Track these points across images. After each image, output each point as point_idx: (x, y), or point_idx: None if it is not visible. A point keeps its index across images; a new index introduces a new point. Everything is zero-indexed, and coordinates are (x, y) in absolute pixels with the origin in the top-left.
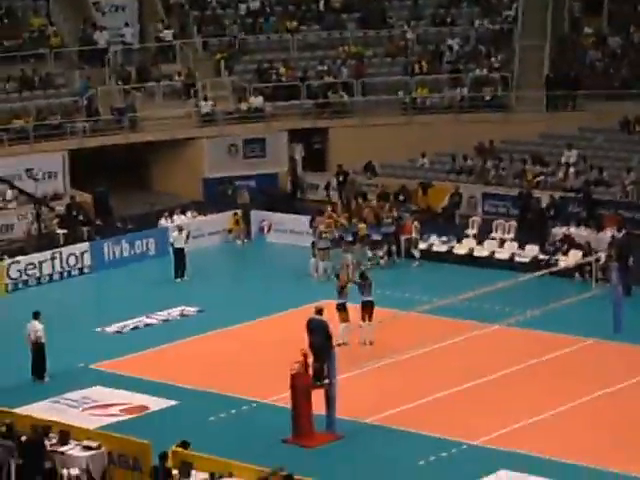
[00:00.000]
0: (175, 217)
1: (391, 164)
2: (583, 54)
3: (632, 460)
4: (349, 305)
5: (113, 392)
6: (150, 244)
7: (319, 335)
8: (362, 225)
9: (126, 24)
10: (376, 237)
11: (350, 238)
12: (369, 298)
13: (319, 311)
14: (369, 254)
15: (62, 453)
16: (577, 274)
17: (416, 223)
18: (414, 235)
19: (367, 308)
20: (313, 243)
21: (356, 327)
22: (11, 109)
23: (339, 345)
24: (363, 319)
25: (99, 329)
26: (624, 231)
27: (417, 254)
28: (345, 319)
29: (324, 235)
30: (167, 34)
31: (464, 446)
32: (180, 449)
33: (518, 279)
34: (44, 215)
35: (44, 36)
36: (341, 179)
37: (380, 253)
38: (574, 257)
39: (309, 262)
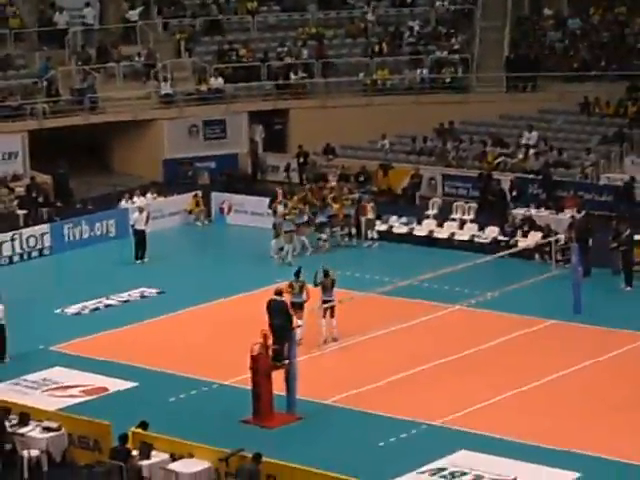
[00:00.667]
0: (135, 198)
1: (351, 145)
2: (543, 35)
3: (591, 440)
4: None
5: (73, 373)
6: (110, 225)
7: (279, 316)
8: (336, 206)
9: (87, 4)
10: (321, 219)
11: (323, 219)
12: (331, 298)
13: (279, 292)
14: (323, 236)
15: (22, 435)
16: (537, 255)
17: (372, 204)
18: (369, 216)
19: (329, 308)
20: (274, 225)
21: (318, 325)
22: None
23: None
24: (324, 316)
25: (59, 310)
26: (583, 212)
27: (374, 235)
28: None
29: (288, 217)
30: (132, 14)
31: (424, 427)
32: (140, 430)
33: (478, 260)
34: (4, 196)
35: (4, 17)
36: (301, 160)
37: (324, 236)
38: (534, 238)
39: (270, 243)
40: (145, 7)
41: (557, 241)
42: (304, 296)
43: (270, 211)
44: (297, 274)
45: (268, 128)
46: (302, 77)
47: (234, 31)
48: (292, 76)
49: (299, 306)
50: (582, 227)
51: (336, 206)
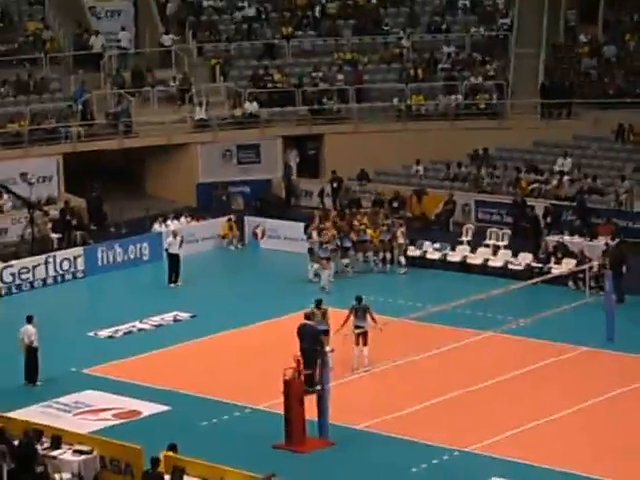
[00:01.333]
0: (169, 222)
1: (385, 171)
2: (578, 62)
3: (623, 469)
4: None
5: (105, 396)
6: (144, 249)
7: (310, 341)
8: (370, 231)
9: (122, 28)
10: (346, 244)
11: (347, 244)
12: (363, 325)
13: (309, 317)
14: (345, 261)
15: (54, 457)
16: (570, 282)
17: (402, 229)
18: (400, 242)
19: (362, 334)
20: (311, 250)
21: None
22: (6, 113)
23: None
24: (357, 343)
25: (92, 334)
26: (617, 239)
27: (401, 261)
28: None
29: (325, 245)
30: (166, 39)
31: (456, 453)
32: (171, 453)
33: (511, 287)
34: (38, 219)
35: (40, 40)
36: (335, 185)
37: (347, 261)
38: (567, 265)
39: (307, 267)
40: (180, 32)
41: (591, 268)
42: (326, 324)
43: (305, 236)
44: (318, 303)
45: (302, 153)
46: (336, 102)
47: (269, 56)
48: (326, 101)
49: (324, 333)
50: (616, 254)
51: (370, 232)
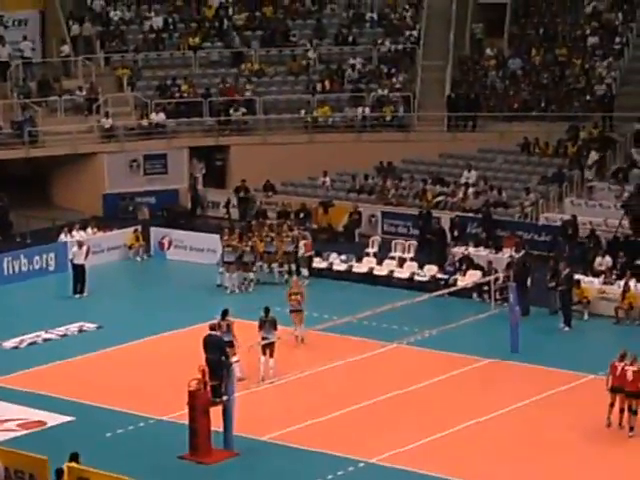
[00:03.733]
0: (75, 232)
1: (292, 182)
2: (484, 75)
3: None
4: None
5: (10, 407)
6: (50, 259)
7: (215, 352)
8: (260, 243)
9: (24, 37)
10: (246, 259)
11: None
12: (270, 336)
13: (214, 327)
14: (219, 281)
15: None
16: (475, 294)
17: (306, 241)
18: (301, 253)
19: (268, 345)
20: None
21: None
22: None
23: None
24: (264, 354)
25: None
26: (523, 252)
27: (305, 272)
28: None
29: (228, 250)
30: (64, 49)
31: (361, 464)
32: (74, 464)
33: (417, 299)
34: None
35: None
36: (242, 195)
37: (251, 276)
38: (472, 277)
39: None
40: (88, 41)
41: (496, 280)
42: (231, 335)
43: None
44: (224, 314)
45: (209, 164)
46: (243, 113)
47: (176, 67)
48: (232, 112)
49: (229, 344)
50: (520, 267)
51: (275, 243)
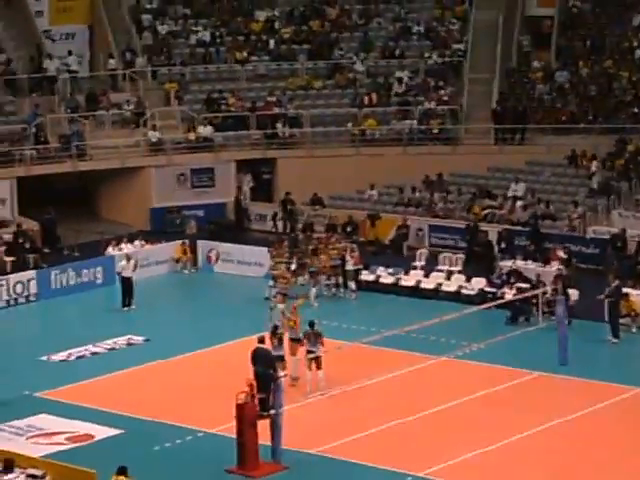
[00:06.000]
0: (123, 246)
1: (339, 195)
2: (531, 88)
3: None
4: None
5: (58, 420)
6: (97, 273)
7: (263, 365)
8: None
9: (69, 52)
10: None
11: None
12: (315, 350)
13: (262, 340)
14: (268, 293)
15: None
16: (524, 307)
17: (354, 254)
18: (349, 267)
19: (314, 359)
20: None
21: (303, 376)
22: None
23: (294, 380)
24: (309, 369)
25: (45, 357)
26: (568, 265)
27: (353, 286)
28: (294, 352)
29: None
30: (112, 63)
31: (409, 478)
32: (122, 477)
33: (464, 311)
34: None
35: None
36: (288, 207)
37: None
38: (520, 290)
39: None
40: (135, 56)
41: (544, 293)
42: (282, 350)
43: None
44: (275, 328)
45: (256, 177)
46: (290, 126)
47: (223, 80)
48: (279, 127)
49: (279, 359)
50: (568, 279)
51: (323, 257)
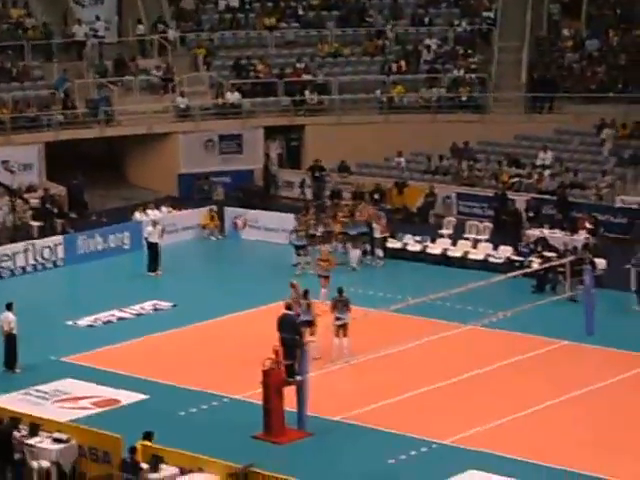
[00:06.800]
0: (149, 211)
1: (367, 163)
2: (561, 56)
3: (601, 461)
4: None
5: (84, 385)
6: (124, 238)
7: (290, 331)
8: (334, 223)
9: (97, 17)
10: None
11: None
12: (344, 316)
13: (289, 307)
14: (296, 259)
15: (32, 445)
16: (551, 276)
17: (383, 221)
18: (378, 235)
19: (342, 326)
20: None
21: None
22: None
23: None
24: (337, 335)
25: (71, 322)
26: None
27: (380, 253)
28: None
29: (300, 234)
30: (141, 28)
31: (434, 445)
32: (147, 442)
33: (491, 280)
34: (18, 207)
35: (22, 28)
36: (317, 174)
37: (308, 259)
38: (548, 259)
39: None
40: (163, 21)
41: (572, 262)
42: (311, 314)
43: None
44: (305, 293)
45: (284, 144)
46: (318, 93)
47: (252, 46)
48: (307, 94)
49: (308, 324)
50: (595, 248)
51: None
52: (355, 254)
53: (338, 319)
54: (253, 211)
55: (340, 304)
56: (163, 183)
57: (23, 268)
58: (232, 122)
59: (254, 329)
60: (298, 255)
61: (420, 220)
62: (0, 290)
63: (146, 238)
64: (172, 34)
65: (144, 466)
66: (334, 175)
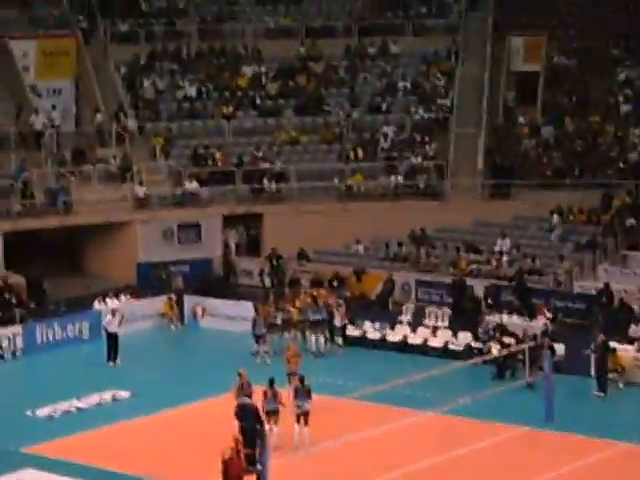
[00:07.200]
0: (108, 300)
1: (325, 250)
2: (517, 143)
3: None
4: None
5: (44, 475)
6: (83, 327)
7: (250, 420)
8: (294, 310)
9: (53, 107)
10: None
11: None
12: (305, 404)
13: (249, 395)
14: (255, 348)
15: None
16: (510, 362)
17: (342, 309)
18: (338, 322)
19: (303, 414)
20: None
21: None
22: None
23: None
24: (298, 422)
25: (30, 412)
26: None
27: (340, 341)
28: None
29: (259, 322)
30: (99, 118)
31: None
32: None
33: (451, 367)
34: None
35: None
36: (274, 262)
37: (266, 348)
38: (506, 346)
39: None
40: (121, 111)
41: (530, 348)
42: (277, 403)
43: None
44: (271, 382)
45: (243, 233)
46: (276, 182)
47: (210, 135)
48: (266, 182)
49: (274, 413)
50: (554, 334)
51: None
52: (315, 340)
53: (298, 407)
54: (212, 300)
55: (301, 392)
56: (122, 272)
57: None
58: (191, 211)
59: (214, 418)
60: (257, 344)
61: (379, 307)
62: None
63: (105, 327)
64: (131, 124)
65: None
66: (293, 263)
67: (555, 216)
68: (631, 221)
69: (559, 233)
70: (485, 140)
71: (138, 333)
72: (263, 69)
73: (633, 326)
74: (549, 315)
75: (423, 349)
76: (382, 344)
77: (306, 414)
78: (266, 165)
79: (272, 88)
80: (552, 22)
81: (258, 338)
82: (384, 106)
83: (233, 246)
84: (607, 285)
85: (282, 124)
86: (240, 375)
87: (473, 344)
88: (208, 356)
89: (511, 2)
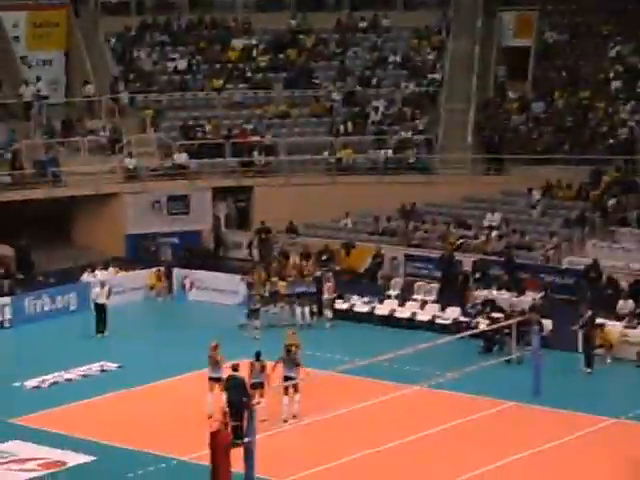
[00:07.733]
0: (97, 272)
1: (314, 224)
2: (507, 118)
3: None
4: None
5: (31, 446)
6: (71, 299)
7: (237, 393)
8: (282, 283)
9: (37, 78)
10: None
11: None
12: (292, 375)
13: (236, 368)
14: (243, 321)
15: None
16: (498, 337)
17: (330, 283)
18: (327, 295)
19: (292, 385)
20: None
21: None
22: None
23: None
24: (286, 393)
25: (18, 384)
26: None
27: (329, 314)
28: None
29: (256, 298)
30: (89, 89)
31: None
32: None
33: (438, 341)
34: None
35: None
36: (263, 237)
37: (257, 324)
38: (495, 320)
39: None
40: (113, 82)
41: (518, 323)
42: (264, 376)
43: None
44: (258, 355)
45: (232, 205)
46: (266, 154)
47: (200, 108)
48: (255, 155)
49: (260, 385)
50: (542, 309)
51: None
52: (301, 312)
53: (287, 378)
54: (200, 272)
55: (289, 363)
56: (110, 244)
57: None
58: (180, 183)
59: (201, 390)
60: (249, 318)
61: (368, 281)
62: None
63: (93, 299)
64: (123, 96)
65: None
66: (282, 236)
67: (534, 192)
68: (621, 197)
69: (541, 209)
70: (475, 115)
71: (126, 305)
72: (254, 42)
73: (621, 302)
74: (541, 292)
75: (411, 323)
76: (370, 318)
77: (295, 385)
78: (256, 138)
79: (262, 61)
80: None
81: (251, 312)
82: (374, 80)
83: (223, 219)
84: (595, 261)
85: (272, 97)
86: (214, 348)
87: (461, 318)
88: (196, 329)
89: None
